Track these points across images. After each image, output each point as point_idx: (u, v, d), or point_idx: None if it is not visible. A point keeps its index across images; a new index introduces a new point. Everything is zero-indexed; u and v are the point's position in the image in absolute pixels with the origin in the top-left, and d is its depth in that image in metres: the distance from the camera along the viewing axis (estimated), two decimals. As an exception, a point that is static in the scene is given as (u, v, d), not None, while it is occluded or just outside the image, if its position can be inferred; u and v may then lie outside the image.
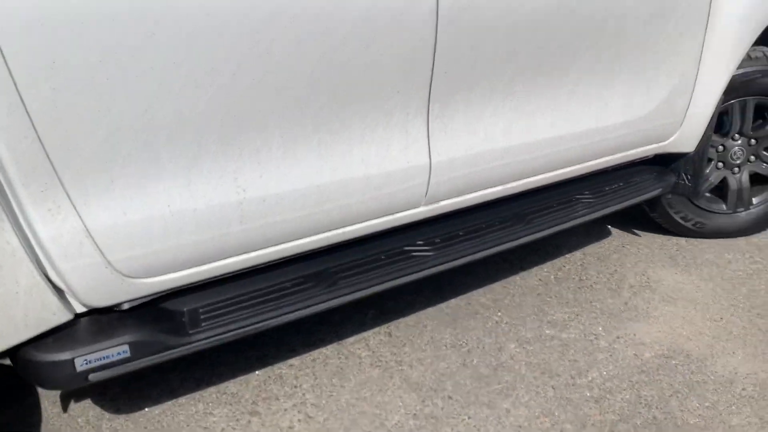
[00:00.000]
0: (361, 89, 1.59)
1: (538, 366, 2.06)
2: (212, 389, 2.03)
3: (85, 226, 1.36)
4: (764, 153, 2.64)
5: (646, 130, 2.23)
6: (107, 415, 1.93)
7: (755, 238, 2.78)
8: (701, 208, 2.69)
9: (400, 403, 1.94)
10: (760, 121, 2.59)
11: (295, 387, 2.02)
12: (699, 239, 2.78)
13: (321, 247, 1.74)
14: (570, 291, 2.46)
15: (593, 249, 2.77)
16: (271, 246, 1.63)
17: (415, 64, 1.64)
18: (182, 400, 2.00)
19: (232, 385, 2.04)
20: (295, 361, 2.15)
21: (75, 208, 1.34)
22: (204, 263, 1.55)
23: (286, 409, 1.93)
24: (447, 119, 1.78)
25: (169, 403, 1.98)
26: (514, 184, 2.01)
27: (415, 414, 1.89)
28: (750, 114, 2.54)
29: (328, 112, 1.57)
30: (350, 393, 1.98)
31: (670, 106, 2.24)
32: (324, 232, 1.70)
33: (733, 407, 1.87)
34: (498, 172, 1.94)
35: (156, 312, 1.55)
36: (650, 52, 2.10)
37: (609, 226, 2.94)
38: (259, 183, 1.54)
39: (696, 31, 2.17)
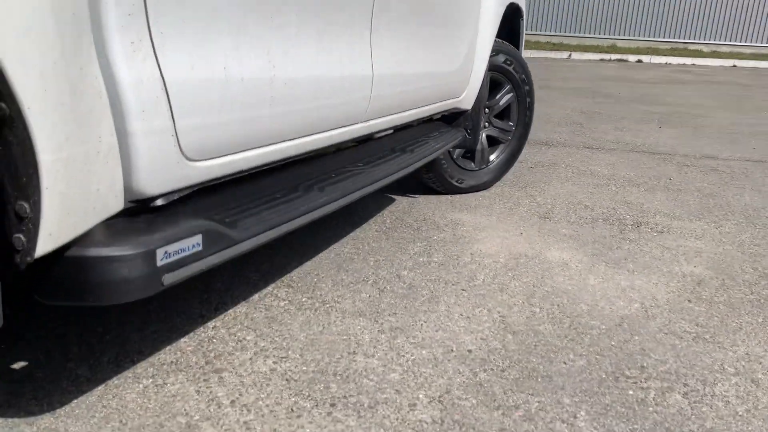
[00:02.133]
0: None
1: (438, 281, 2.26)
2: (144, 363, 1.64)
3: (161, 73, 1.10)
4: (495, 119, 3.38)
5: (451, 83, 2.68)
6: (22, 420, 1.40)
7: (492, 190, 3.48)
8: (460, 167, 3.27)
9: (359, 326, 1.90)
10: (493, 93, 3.32)
11: (241, 341, 1.79)
12: (458, 194, 3.35)
13: (308, 152, 1.66)
14: (407, 233, 2.72)
15: (392, 208, 3.08)
16: (287, 140, 1.50)
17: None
18: (115, 380, 1.57)
19: (164, 355, 1.68)
20: (216, 322, 1.88)
21: (153, 46, 1.08)
22: (242, 149, 1.35)
23: (250, 359, 1.70)
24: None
25: (99, 390, 1.53)
26: (403, 113, 2.20)
27: (380, 330, 1.89)
28: (487, 88, 3.24)
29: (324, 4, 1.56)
30: (303, 332, 1.85)
31: (464, 67, 2.75)
32: (314, 132, 1.63)
33: (583, 275, 2.38)
34: (395, 96, 2.12)
35: (201, 208, 1.27)
36: (457, 22, 2.57)
37: (388, 195, 3.30)
38: (283, 61, 1.43)
39: (476, 9, 2.74)
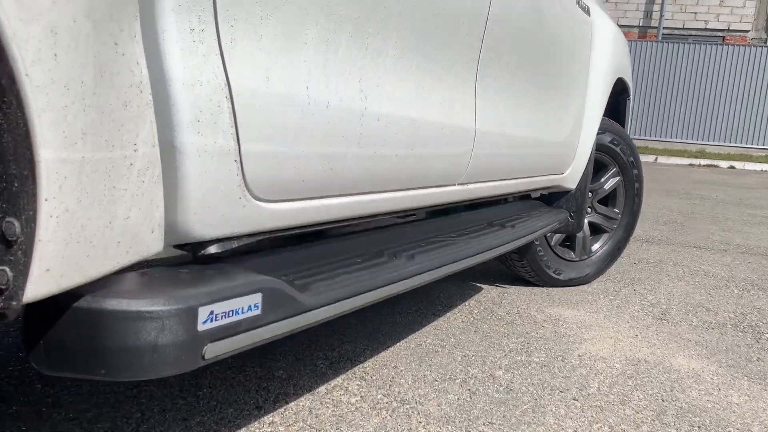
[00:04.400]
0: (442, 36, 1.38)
1: (542, 385, 1.85)
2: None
3: (227, 76, 0.83)
4: (598, 205, 3.02)
5: (555, 156, 2.36)
6: None
7: (593, 286, 3.07)
8: (558, 256, 2.89)
9: (447, 436, 1.52)
10: (597, 176, 2.98)
11: (301, 443, 1.44)
12: (554, 287, 2.95)
13: (397, 211, 1.36)
14: (499, 326, 2.34)
15: (479, 298, 2.71)
16: (375, 192, 1.21)
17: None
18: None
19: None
20: (274, 417, 1.54)
21: (219, 40, 0.83)
22: (322, 195, 1.06)
23: (312, 468, 1.34)
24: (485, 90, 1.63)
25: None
26: (504, 181, 1.90)
27: (473, 442, 1.50)
28: (591, 167, 2.91)
29: (425, 40, 1.31)
30: (378, 437, 1.49)
31: (570, 140, 2.44)
32: (405, 187, 1.34)
33: (723, 391, 1.92)
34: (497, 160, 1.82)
35: (264, 264, 0.98)
36: (565, 88, 2.29)
37: (472, 282, 2.94)
38: (375, 93, 1.16)
39: (584, 78, 2.46)
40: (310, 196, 1.04)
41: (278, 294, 0.91)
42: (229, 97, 0.83)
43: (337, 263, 1.19)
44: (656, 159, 15.39)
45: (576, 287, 2.99)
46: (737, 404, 1.84)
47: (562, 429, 1.61)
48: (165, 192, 0.78)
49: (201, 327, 0.78)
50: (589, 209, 3.01)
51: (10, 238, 0.61)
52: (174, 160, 0.79)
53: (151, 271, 0.83)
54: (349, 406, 1.64)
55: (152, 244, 0.78)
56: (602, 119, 2.84)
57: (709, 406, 1.81)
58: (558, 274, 2.90)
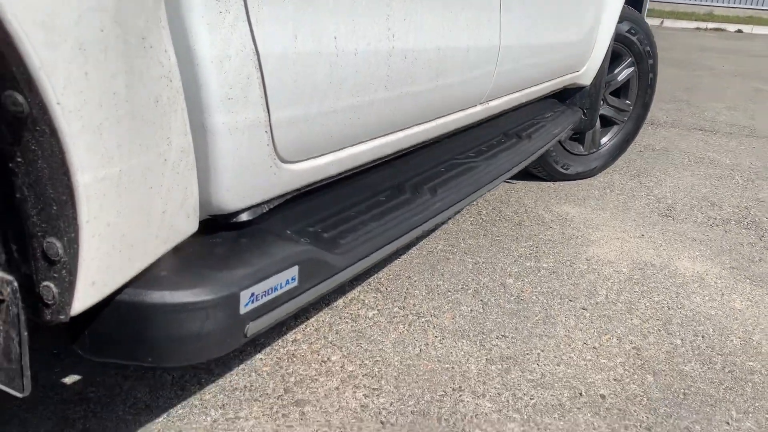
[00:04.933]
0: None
1: (551, 294, 1.90)
2: (213, 387, 1.37)
3: (255, 44, 0.77)
4: (610, 97, 2.94)
5: (574, 55, 2.27)
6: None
7: (599, 178, 3.07)
8: (567, 151, 2.86)
9: (463, 352, 1.58)
10: (611, 67, 2.87)
11: (325, 362, 1.50)
12: (562, 182, 2.95)
13: (420, 143, 1.32)
14: (508, 229, 2.36)
15: (487, 196, 2.72)
16: (400, 130, 1.16)
17: None
18: (178, 410, 1.30)
19: (237, 378, 1.41)
20: (296, 334, 1.59)
21: (246, 6, 0.75)
22: (348, 145, 1.02)
23: (337, 388, 1.41)
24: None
25: (160, 420, 1.27)
26: (524, 91, 1.83)
27: (488, 358, 1.56)
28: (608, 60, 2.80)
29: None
30: (396, 354, 1.55)
31: (589, 35, 2.33)
32: (430, 118, 1.29)
33: (726, 296, 1.98)
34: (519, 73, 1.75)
35: (292, 223, 0.96)
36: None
37: (481, 178, 2.94)
38: (403, 28, 1.08)
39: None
40: (336, 148, 1.00)
41: (313, 262, 0.90)
42: (258, 66, 0.77)
43: (361, 208, 1.17)
44: (662, 22, 14.84)
45: (583, 181, 2.99)
46: (740, 310, 1.90)
47: (572, 341, 1.67)
48: (199, 174, 0.75)
49: (243, 310, 0.78)
50: (601, 102, 2.93)
51: (53, 258, 0.59)
52: (206, 142, 0.75)
53: (186, 248, 0.81)
54: (367, 320, 1.69)
55: (188, 228, 0.76)
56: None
57: (713, 312, 1.88)
58: (566, 169, 2.89)
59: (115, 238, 0.62)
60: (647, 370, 1.57)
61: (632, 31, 2.83)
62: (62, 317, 0.62)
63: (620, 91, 2.99)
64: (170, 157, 0.68)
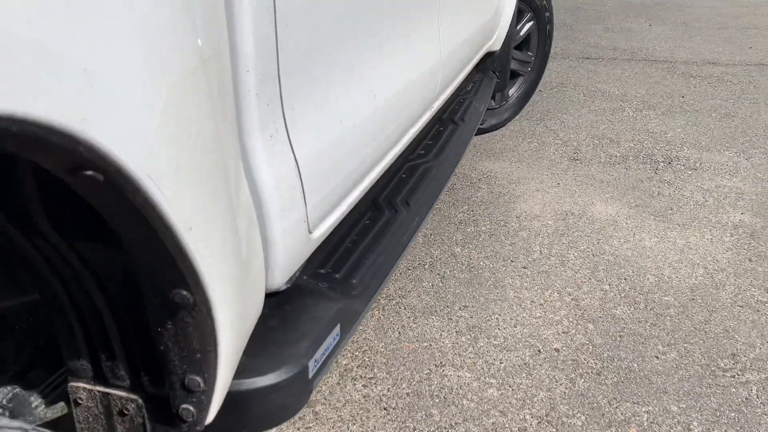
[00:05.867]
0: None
1: (495, 257, 2.16)
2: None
3: (295, 159, 0.91)
4: (514, 51, 3.16)
5: (487, 30, 2.45)
6: None
7: (510, 126, 3.32)
8: (481, 106, 3.08)
9: (435, 328, 1.81)
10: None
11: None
12: (479, 136, 3.18)
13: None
14: (443, 194, 2.57)
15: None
16: (381, 162, 1.32)
17: None
18: None
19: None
20: (287, 337, 1.75)
21: (287, 131, 0.88)
22: (345, 197, 1.17)
23: (338, 383, 1.60)
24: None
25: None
26: (455, 82, 2.00)
27: (457, 331, 1.80)
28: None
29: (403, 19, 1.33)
30: (380, 340, 1.77)
31: (496, 11, 2.50)
32: (399, 143, 1.45)
33: (637, 235, 2.31)
34: (454, 66, 1.91)
35: (313, 284, 1.11)
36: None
37: (405, 141, 3.12)
38: (382, 83, 1.24)
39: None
40: (341, 202, 1.15)
41: (347, 314, 1.06)
42: (298, 176, 0.90)
43: (352, 234, 1.33)
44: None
45: (497, 132, 3.23)
46: (650, 248, 2.23)
47: (521, 301, 1.94)
48: (266, 275, 0.89)
49: (311, 375, 0.94)
50: (510, 61, 3.15)
51: (194, 389, 0.73)
52: (268, 249, 0.87)
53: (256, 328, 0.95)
54: (345, 311, 1.88)
55: (257, 314, 0.90)
56: (518, -33, 2.87)
57: (629, 254, 2.20)
58: (482, 124, 3.11)
59: (233, 360, 0.76)
60: (587, 319, 1.86)
61: (530, -11, 3.03)
62: (198, 428, 0.76)
63: (522, 45, 3.21)
64: (252, 274, 0.81)
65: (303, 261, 1.04)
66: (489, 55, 2.77)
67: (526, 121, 3.40)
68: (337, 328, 1.02)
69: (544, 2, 3.12)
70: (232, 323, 0.72)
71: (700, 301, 1.95)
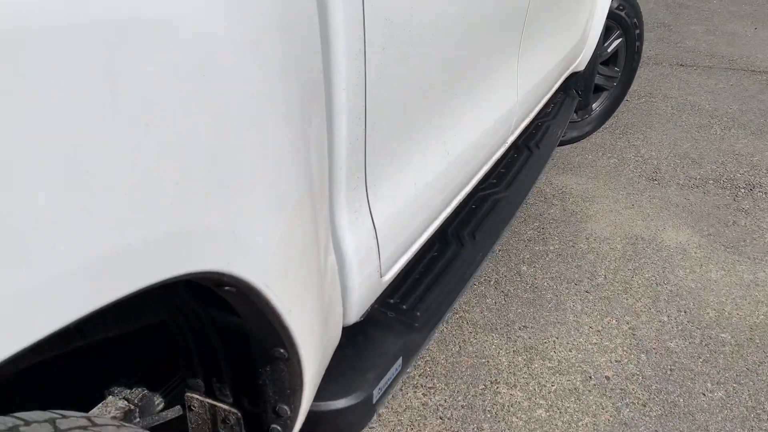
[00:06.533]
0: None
1: (559, 278, 2.27)
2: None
3: (374, 225, 1.08)
4: (600, 66, 3.20)
5: (572, 55, 2.52)
6: None
7: (592, 139, 3.37)
8: (562, 120, 3.15)
9: (494, 345, 1.96)
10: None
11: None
12: (559, 146, 3.25)
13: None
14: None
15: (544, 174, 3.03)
16: (452, 202, 1.48)
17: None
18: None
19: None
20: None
21: (369, 205, 1.06)
22: (413, 244, 1.34)
23: (400, 390, 1.79)
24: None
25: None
26: (533, 113, 2.11)
27: (514, 350, 1.95)
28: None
29: (482, 70, 1.47)
30: (441, 352, 1.93)
31: (584, 33, 2.57)
32: (469, 184, 1.60)
33: (704, 266, 2.36)
34: (532, 101, 2.02)
35: (385, 315, 1.30)
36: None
37: (485, 149, 3.24)
38: (455, 141, 1.39)
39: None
40: (408, 248, 1.32)
41: (409, 347, 1.24)
42: (375, 237, 1.07)
43: (420, 265, 1.50)
44: None
45: (578, 145, 3.29)
46: (715, 281, 2.28)
47: (580, 326, 2.06)
48: (344, 314, 1.08)
49: (375, 400, 1.12)
50: (594, 79, 3.19)
51: (282, 415, 0.93)
52: (347, 296, 1.06)
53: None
54: (413, 321, 2.06)
55: (335, 345, 1.09)
56: (610, -14, 2.90)
57: (693, 285, 2.26)
58: (563, 135, 3.18)
59: (313, 390, 0.96)
60: (641, 350, 1.96)
61: (620, 8, 3.04)
62: (283, 446, 0.96)
63: (609, 60, 3.24)
64: (331, 320, 1.00)
65: (375, 299, 1.22)
66: (573, 75, 2.84)
67: (608, 134, 3.43)
68: (399, 361, 1.20)
69: (635, 20, 3.13)
70: (316, 366, 0.91)
71: (758, 341, 2.00)
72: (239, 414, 1.00)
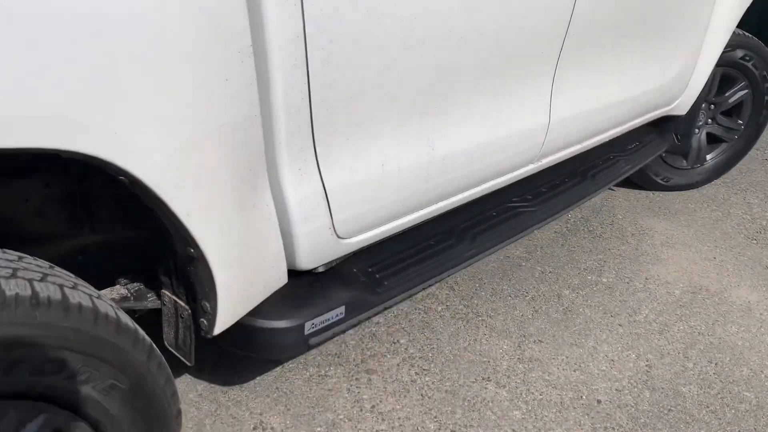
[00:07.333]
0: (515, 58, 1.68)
1: (598, 308, 2.30)
2: (313, 352, 2.00)
3: (324, 187, 1.32)
4: (721, 116, 3.10)
5: (661, 96, 2.53)
6: (220, 387, 1.84)
7: (704, 189, 3.25)
8: (668, 165, 3.09)
9: (501, 350, 2.07)
10: (723, 88, 3.03)
11: (394, 343, 2.07)
12: (663, 192, 3.19)
13: (461, 204, 1.80)
14: (586, 240, 2.73)
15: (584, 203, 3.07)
16: (443, 200, 1.66)
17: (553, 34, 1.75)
18: (290, 365, 1.95)
19: (331, 346, 2.03)
20: (380, 318, 2.18)
21: (319, 169, 1.30)
22: (393, 219, 1.55)
23: (398, 364, 1.98)
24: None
25: (277, 370, 1.93)
26: (586, 142, 2.19)
27: (519, 358, 2.04)
28: (716, 83, 2.96)
29: (492, 81, 1.64)
30: (449, 344, 2.08)
31: (682, 75, 2.56)
32: (471, 188, 1.76)
33: (763, 328, 2.25)
34: (579, 130, 2.12)
35: (352, 273, 1.53)
36: (676, 28, 2.38)
37: (585, 182, 3.27)
38: (442, 139, 1.56)
39: (710, 3, 2.50)
40: (384, 223, 1.53)
41: (356, 301, 1.46)
42: (325, 198, 1.32)
43: (410, 253, 1.70)
44: None
45: (685, 193, 3.20)
46: (767, 344, 2.17)
47: (596, 352, 2.09)
48: (287, 259, 1.33)
49: (307, 331, 1.36)
50: (709, 120, 3.11)
51: (206, 311, 1.21)
52: (291, 240, 1.31)
53: (281, 290, 1.40)
54: (436, 313, 2.23)
55: (280, 282, 1.35)
56: (735, 34, 2.83)
57: (739, 343, 2.17)
58: (666, 182, 3.13)
59: (234, 303, 1.22)
60: (648, 386, 1.96)
61: (746, 58, 2.94)
62: (208, 336, 1.24)
63: (732, 110, 3.12)
64: (268, 257, 1.25)
65: (335, 256, 1.45)
66: (672, 118, 2.81)
67: (725, 188, 3.29)
68: (342, 309, 1.42)
69: (764, 73, 3.00)
70: (232, 274, 1.17)
71: (783, 408, 1.90)
72: (189, 310, 1.30)
